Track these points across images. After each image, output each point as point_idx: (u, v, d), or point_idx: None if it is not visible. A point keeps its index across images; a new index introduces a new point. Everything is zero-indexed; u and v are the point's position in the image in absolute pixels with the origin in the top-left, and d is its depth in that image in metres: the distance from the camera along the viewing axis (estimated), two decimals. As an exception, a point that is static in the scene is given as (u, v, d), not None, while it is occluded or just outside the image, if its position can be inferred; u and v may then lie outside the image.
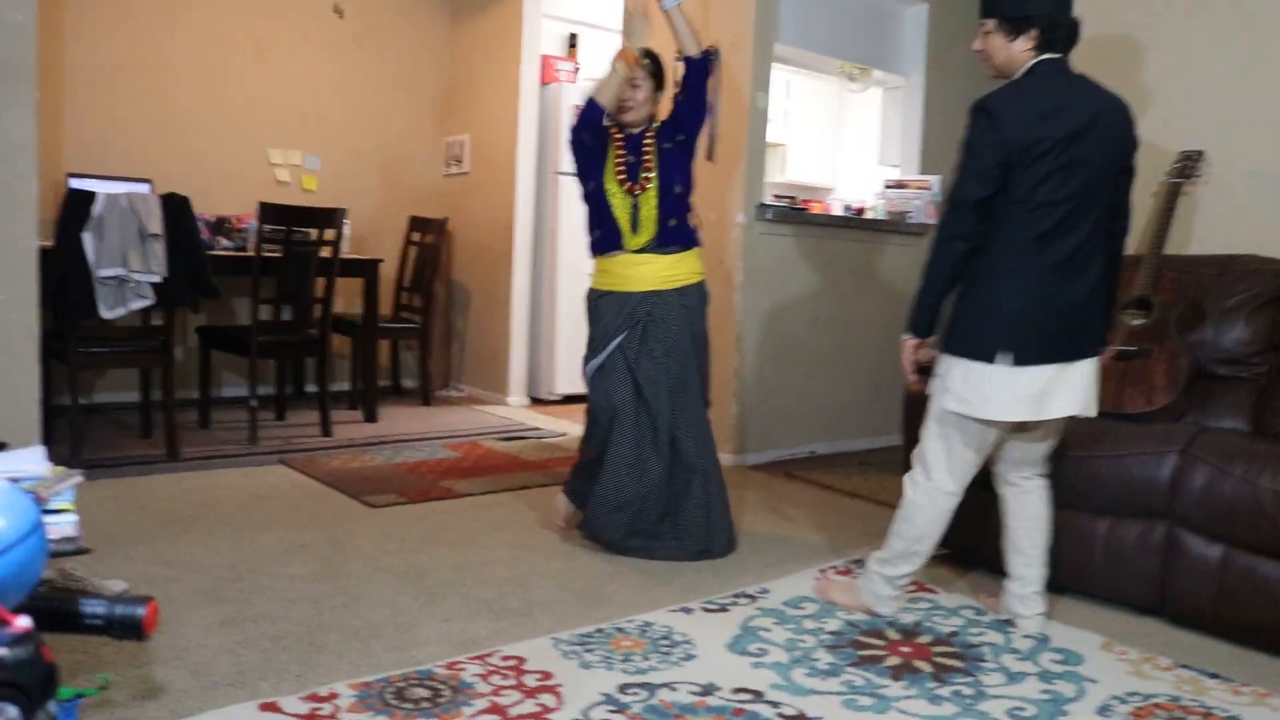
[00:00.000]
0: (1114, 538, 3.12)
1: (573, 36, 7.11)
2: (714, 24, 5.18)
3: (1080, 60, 4.39)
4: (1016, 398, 2.69)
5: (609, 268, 3.61)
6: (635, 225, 3.54)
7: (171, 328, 4.66)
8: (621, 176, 3.57)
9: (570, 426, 5.91)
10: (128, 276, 4.34)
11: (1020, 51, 2.72)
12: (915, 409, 3.56)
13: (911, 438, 3.58)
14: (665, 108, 3.71)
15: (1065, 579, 3.24)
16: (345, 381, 6.51)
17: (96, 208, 4.27)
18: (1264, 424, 3.34)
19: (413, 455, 4.96)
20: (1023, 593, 2.97)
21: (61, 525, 3.11)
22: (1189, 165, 3.90)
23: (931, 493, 2.89)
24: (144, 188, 5.37)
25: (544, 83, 6.65)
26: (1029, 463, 2.96)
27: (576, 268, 6.60)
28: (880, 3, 5.89)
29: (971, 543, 3.45)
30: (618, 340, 3.54)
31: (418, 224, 6.67)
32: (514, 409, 6.51)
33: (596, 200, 3.61)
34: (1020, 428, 2.85)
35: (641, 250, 3.54)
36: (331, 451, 4.96)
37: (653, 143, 3.60)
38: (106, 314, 4.33)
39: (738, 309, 5.07)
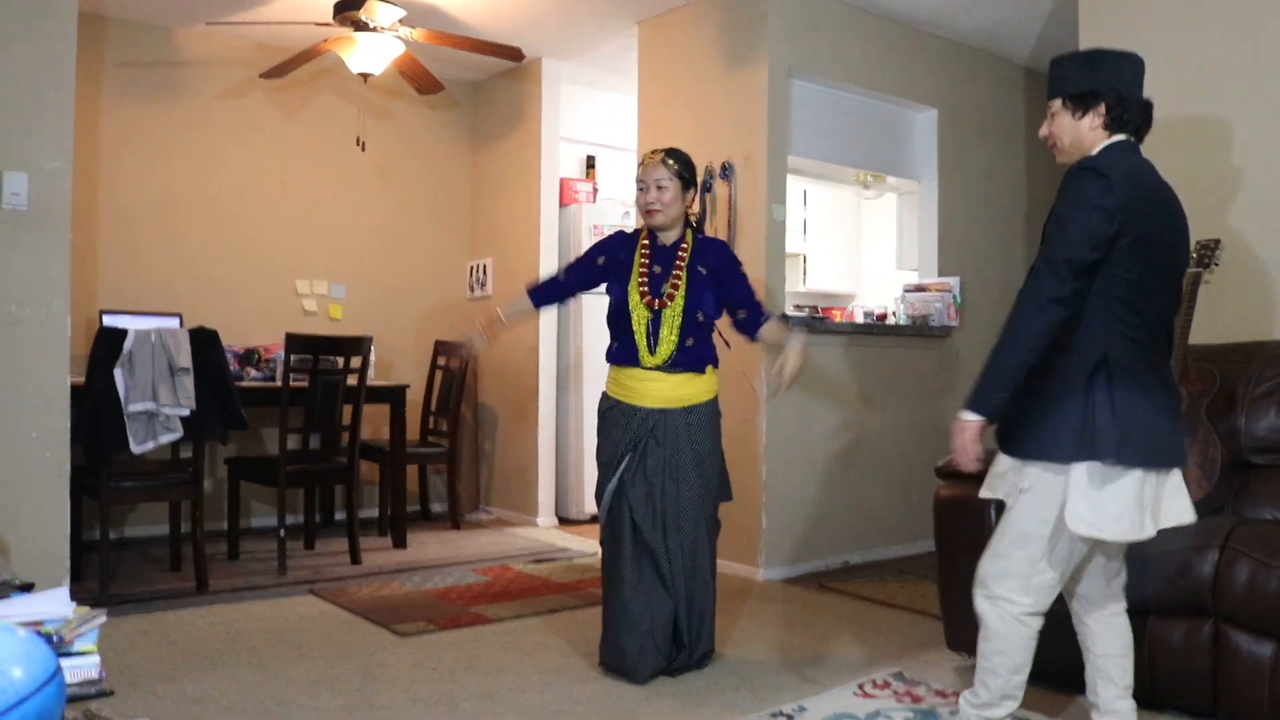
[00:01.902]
0: (1159, 638, 3.02)
1: (590, 158, 7.26)
2: (727, 139, 5.28)
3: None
4: (1143, 510, 2.43)
5: (620, 378, 3.59)
6: (654, 343, 3.50)
7: (201, 460, 4.69)
8: (644, 290, 3.52)
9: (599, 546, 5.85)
10: (157, 411, 4.39)
11: (1088, 130, 2.58)
12: (948, 513, 3.52)
13: (945, 543, 3.54)
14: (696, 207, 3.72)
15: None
16: (374, 508, 6.50)
17: (127, 344, 4.35)
18: (1306, 514, 3.26)
19: (442, 581, 4.92)
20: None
21: (84, 667, 3.08)
22: (1207, 254, 3.90)
23: (1021, 616, 2.56)
24: (173, 322, 5.47)
25: (563, 204, 6.78)
26: (1113, 577, 2.71)
27: (601, 386, 6.62)
28: (891, 110, 5.99)
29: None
30: (621, 467, 3.52)
31: (443, 348, 6.73)
32: (543, 530, 6.46)
33: (619, 309, 3.58)
34: (1103, 543, 2.56)
35: (656, 368, 3.50)
36: (361, 580, 4.92)
37: (685, 261, 3.54)
38: (137, 449, 4.36)
39: (763, 420, 5.05)
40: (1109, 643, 2.70)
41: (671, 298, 3.49)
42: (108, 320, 5.28)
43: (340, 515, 6.36)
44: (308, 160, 6.57)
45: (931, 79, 5.96)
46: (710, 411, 3.58)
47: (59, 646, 3.00)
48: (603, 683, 3.41)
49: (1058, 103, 2.63)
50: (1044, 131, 2.69)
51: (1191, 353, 3.62)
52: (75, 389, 4.45)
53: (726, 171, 5.26)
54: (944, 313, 5.73)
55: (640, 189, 3.58)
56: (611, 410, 3.60)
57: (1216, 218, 4.00)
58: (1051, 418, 2.47)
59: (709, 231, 5.30)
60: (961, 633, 3.54)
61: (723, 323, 3.67)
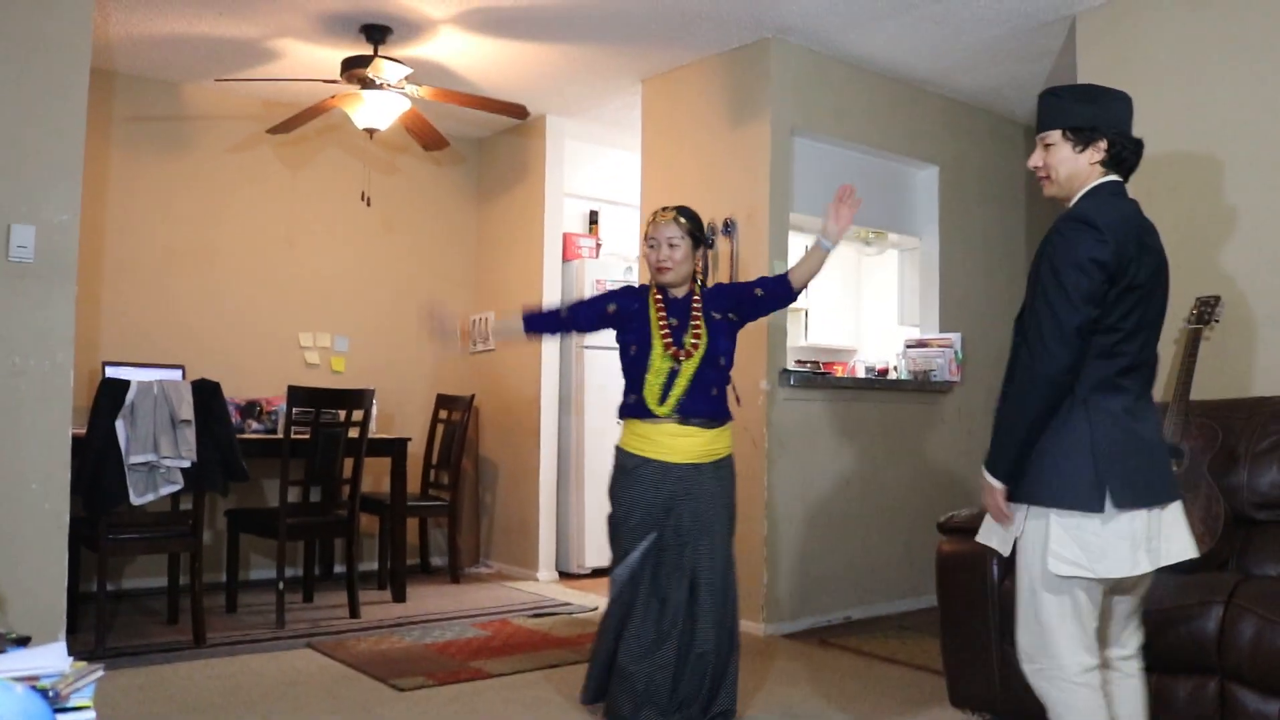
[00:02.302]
0: (1164, 696, 2.99)
1: (593, 214, 7.32)
2: (730, 195, 5.33)
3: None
4: (1135, 546, 2.41)
5: (645, 433, 3.49)
6: (666, 391, 3.46)
7: (201, 511, 4.67)
8: (667, 341, 3.50)
9: (600, 600, 5.81)
10: (158, 462, 4.39)
11: (1087, 165, 2.55)
12: (950, 568, 3.51)
13: (948, 598, 3.52)
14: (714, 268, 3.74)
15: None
16: (374, 561, 6.47)
17: (130, 395, 4.36)
18: (1310, 571, 3.25)
19: (442, 635, 4.88)
20: None
21: None
22: (1206, 310, 3.92)
23: (1075, 678, 2.44)
24: (176, 374, 5.49)
25: (566, 259, 6.82)
26: (1129, 635, 2.65)
27: (602, 440, 6.62)
28: (891, 167, 6.05)
29: (1018, 707, 3.33)
30: (652, 535, 3.45)
31: (445, 401, 6.73)
32: (543, 584, 6.43)
33: (639, 363, 3.51)
34: (1118, 586, 2.52)
35: (669, 418, 3.46)
36: (360, 633, 4.89)
37: (700, 309, 3.57)
38: (137, 500, 4.36)
39: (765, 475, 5.04)
40: (1129, 704, 2.61)
41: (696, 348, 3.49)
42: (110, 372, 5.30)
43: (340, 568, 6.32)
44: (313, 214, 6.63)
45: (933, 137, 6.02)
46: (732, 465, 3.60)
47: (55, 702, 2.98)
48: (602, 739, 3.37)
49: (1057, 134, 2.59)
50: (1035, 162, 2.65)
51: (1193, 409, 3.62)
52: (76, 440, 4.46)
53: (729, 228, 5.30)
54: (945, 368, 5.74)
55: (651, 246, 3.59)
56: (640, 468, 3.48)
57: (1217, 273, 4.03)
58: (1040, 462, 2.46)
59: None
60: (964, 689, 3.52)
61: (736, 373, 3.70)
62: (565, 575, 6.65)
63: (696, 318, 3.55)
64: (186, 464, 4.44)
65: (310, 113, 5.47)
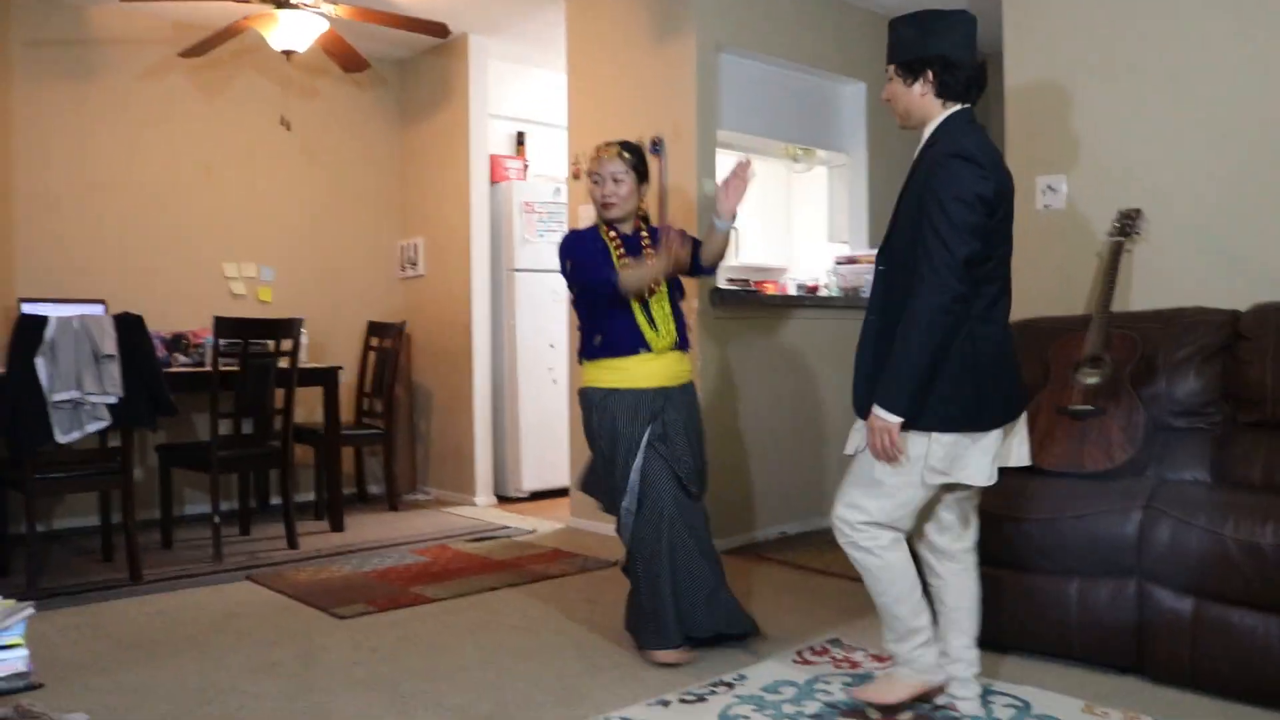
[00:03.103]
0: (1086, 598, 3.11)
1: (520, 135, 7.21)
2: (657, 114, 5.28)
3: (1015, 118, 4.51)
4: (992, 458, 2.65)
5: (619, 366, 3.46)
6: (654, 326, 3.49)
7: (130, 448, 4.60)
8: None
9: (539, 523, 5.86)
10: (83, 399, 4.30)
11: (919, 97, 2.68)
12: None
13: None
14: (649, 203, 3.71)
15: (1042, 643, 3.23)
16: (310, 492, 6.43)
17: (49, 332, 4.25)
18: (1223, 473, 3.37)
19: (381, 563, 4.89)
20: (965, 675, 2.84)
21: (11, 661, 3.03)
22: (1129, 223, 3.99)
23: (889, 546, 2.72)
24: (98, 309, 5.35)
25: (494, 181, 6.73)
26: (967, 527, 2.87)
27: (536, 363, 6.62)
28: (819, 84, 6.03)
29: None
30: (645, 436, 3.43)
31: (376, 329, 6.67)
32: (482, 509, 6.45)
33: (613, 301, 3.46)
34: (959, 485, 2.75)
35: (665, 350, 3.51)
36: (299, 564, 4.88)
37: (650, 244, 3.57)
38: (62, 439, 4.28)
39: (701, 393, 5.07)
40: (960, 595, 2.86)
41: (658, 283, 3.51)
42: (27, 309, 5.15)
43: (276, 500, 6.29)
44: (232, 141, 6.45)
45: (860, 52, 6.00)
46: (694, 389, 3.66)
47: (-14, 642, 2.95)
48: (544, 658, 3.42)
49: (891, 69, 2.71)
50: (884, 95, 2.78)
51: (1114, 320, 3.71)
52: (-4, 379, 4.36)
53: (656, 146, 5.25)
54: (875, 284, 5.79)
55: (595, 182, 3.56)
56: (608, 398, 3.47)
57: (1138, 186, 4.09)
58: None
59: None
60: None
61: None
62: (503, 499, 6.68)
63: (649, 252, 3.55)
64: (112, 400, 4.35)
65: (223, 34, 5.29)
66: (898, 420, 2.58)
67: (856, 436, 2.81)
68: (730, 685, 3.11)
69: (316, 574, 4.66)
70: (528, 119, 7.23)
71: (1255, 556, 2.77)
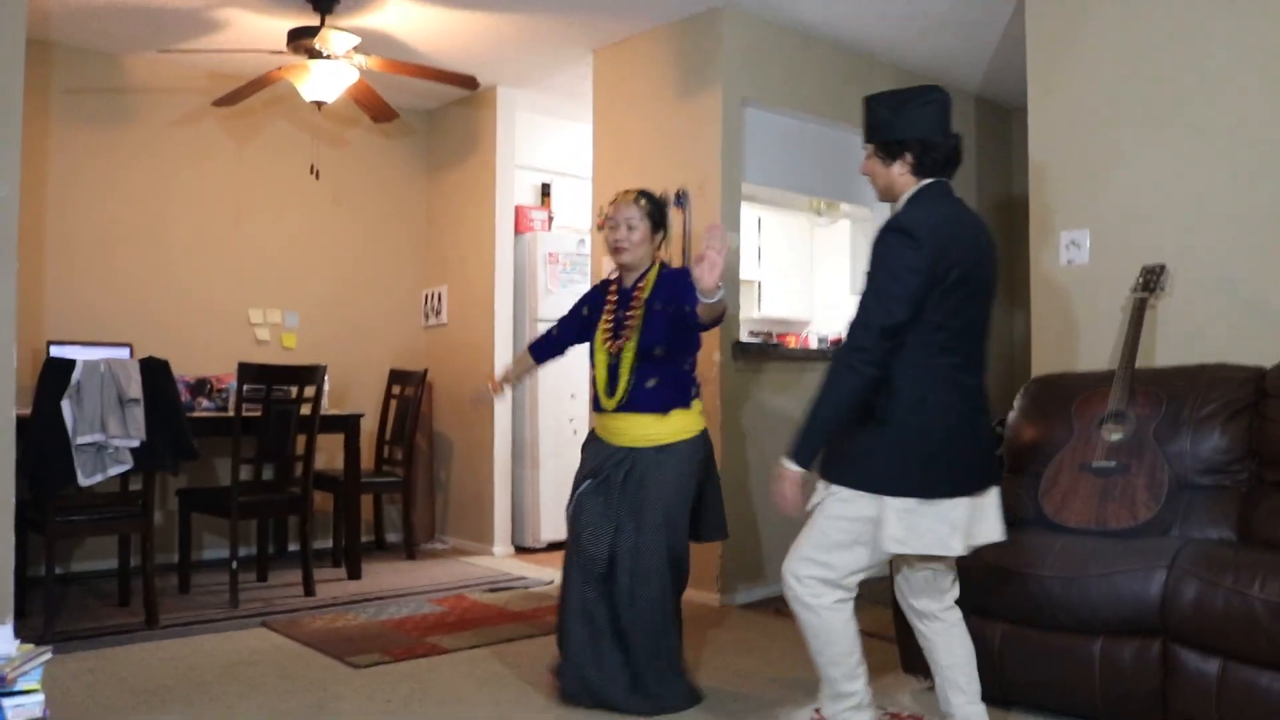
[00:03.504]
0: (1110, 657, 3.06)
1: (545, 186, 7.27)
2: (681, 166, 5.32)
3: (1038, 173, 4.51)
4: (952, 529, 2.65)
5: (597, 421, 3.62)
6: (611, 385, 3.49)
7: (151, 492, 4.62)
8: (607, 334, 3.55)
9: (556, 574, 5.80)
10: (106, 443, 4.32)
11: (898, 176, 2.76)
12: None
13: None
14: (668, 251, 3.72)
15: (1065, 702, 3.18)
16: (328, 539, 6.42)
17: (75, 374, 4.28)
18: (1249, 532, 3.31)
19: (398, 612, 4.87)
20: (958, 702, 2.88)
21: (29, 706, 3.02)
22: (1152, 279, 3.97)
23: (833, 606, 2.75)
24: (123, 352, 5.40)
25: (518, 232, 6.78)
26: (944, 590, 2.90)
27: (557, 414, 6.62)
28: (842, 138, 6.05)
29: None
30: (582, 487, 3.52)
31: (397, 376, 6.69)
32: (499, 559, 6.43)
33: (590, 357, 3.63)
34: (933, 555, 2.76)
35: (618, 410, 3.48)
36: (315, 611, 4.87)
37: (640, 299, 3.53)
38: (85, 481, 4.29)
39: (720, 446, 5.06)
40: (951, 652, 2.88)
41: (628, 338, 3.48)
42: (55, 351, 5.21)
43: (294, 546, 6.28)
44: (261, 188, 6.53)
45: (882, 107, 6.02)
46: (691, 447, 3.49)
47: (1, 685, 2.94)
48: (559, 712, 3.38)
49: (870, 148, 2.80)
50: (862, 170, 2.86)
51: (1138, 377, 3.68)
52: (20, 421, 4.38)
53: (681, 199, 5.29)
54: (897, 338, 5.78)
55: (610, 227, 3.59)
56: (589, 444, 3.64)
57: (1163, 243, 4.08)
58: (875, 451, 2.67)
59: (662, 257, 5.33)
60: (917, 655, 3.56)
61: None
62: (521, 550, 6.65)
63: (635, 307, 3.52)
64: (135, 443, 4.38)
65: (256, 85, 5.38)
66: (797, 470, 2.67)
67: (815, 494, 2.84)
68: (747, 742, 3.07)
69: (332, 622, 4.64)
70: (553, 170, 7.30)
71: (1283, 618, 2.72)
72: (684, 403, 3.51)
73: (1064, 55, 4.44)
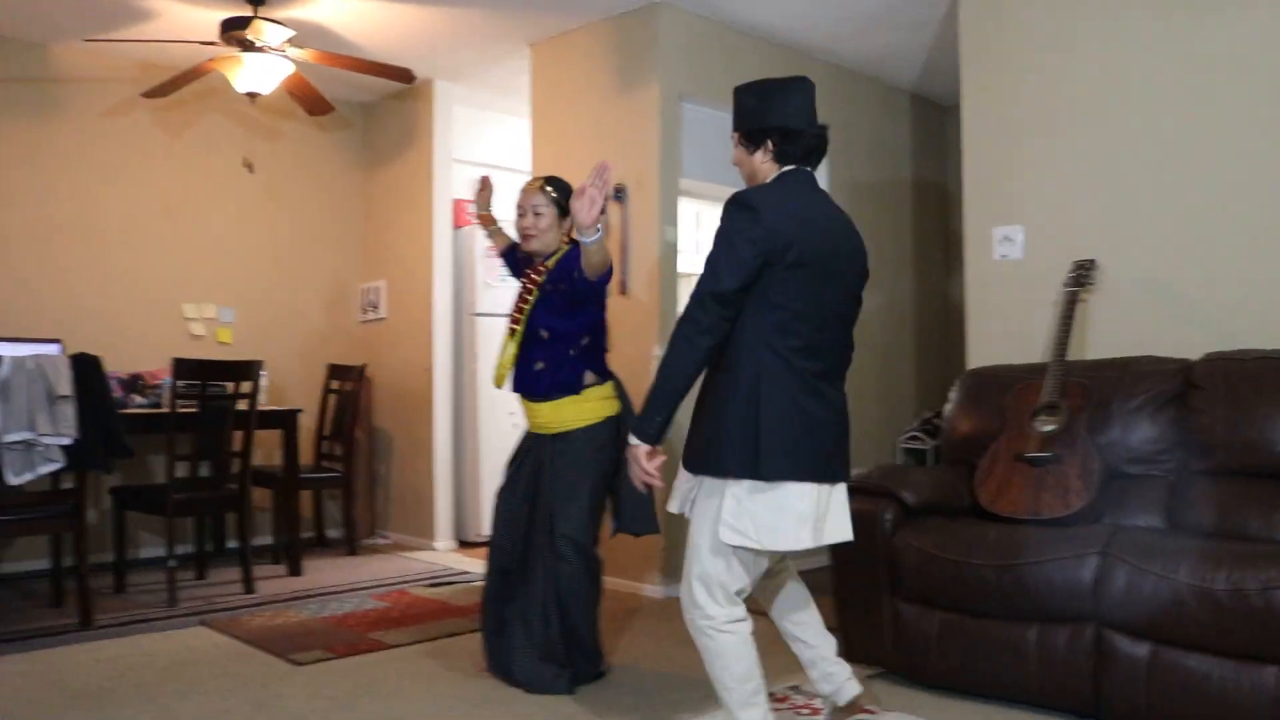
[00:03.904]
0: (1044, 644, 3.13)
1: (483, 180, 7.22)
2: (621, 163, 5.33)
3: (972, 169, 4.59)
4: (800, 521, 2.59)
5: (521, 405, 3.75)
6: (504, 365, 3.64)
7: (83, 490, 4.53)
8: (513, 314, 3.65)
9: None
10: (36, 440, 4.23)
11: (761, 163, 2.78)
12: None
13: (841, 557, 3.61)
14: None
15: (999, 688, 3.25)
16: (268, 535, 6.36)
17: (3, 371, 4.19)
18: (1177, 519, 3.42)
19: (340, 608, 4.84)
20: (826, 665, 3.04)
21: (-37, 707, 2.95)
22: (1084, 273, 4.07)
23: (723, 627, 2.67)
24: (53, 348, 5.28)
25: (457, 226, 6.75)
26: (793, 588, 3.06)
27: (498, 408, 6.60)
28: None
29: (908, 661, 3.45)
30: (504, 477, 3.76)
31: (336, 371, 6.63)
32: (442, 553, 6.40)
33: None
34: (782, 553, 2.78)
35: (516, 393, 3.65)
36: (255, 609, 4.82)
37: (538, 282, 3.59)
38: (14, 480, 4.20)
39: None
40: (792, 603, 3.06)
41: (518, 321, 3.58)
42: (-18, 347, 5.09)
43: (233, 544, 6.20)
44: (194, 182, 6.43)
45: (821, 104, 6.04)
46: (584, 437, 3.56)
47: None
48: (502, 706, 3.39)
49: (736, 136, 2.84)
50: (733, 160, 2.88)
51: (1070, 369, 3.77)
52: (-52, 419, 4.28)
53: (619, 194, 5.30)
54: (835, 331, 5.84)
55: (519, 214, 3.68)
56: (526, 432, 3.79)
57: (1093, 238, 4.18)
58: (713, 435, 2.64)
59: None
60: (857, 644, 3.62)
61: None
62: (464, 544, 6.63)
63: (529, 290, 3.61)
64: (66, 441, 4.29)
65: (188, 76, 5.29)
66: (642, 445, 2.65)
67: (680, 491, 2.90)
68: (691, 732, 3.09)
69: (273, 619, 4.60)
70: (492, 164, 7.24)
71: (1209, 601, 2.81)
72: (573, 388, 3.55)
73: (997, 56, 4.53)
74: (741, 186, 2.80)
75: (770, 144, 2.75)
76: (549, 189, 3.66)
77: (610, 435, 3.58)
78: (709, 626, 2.67)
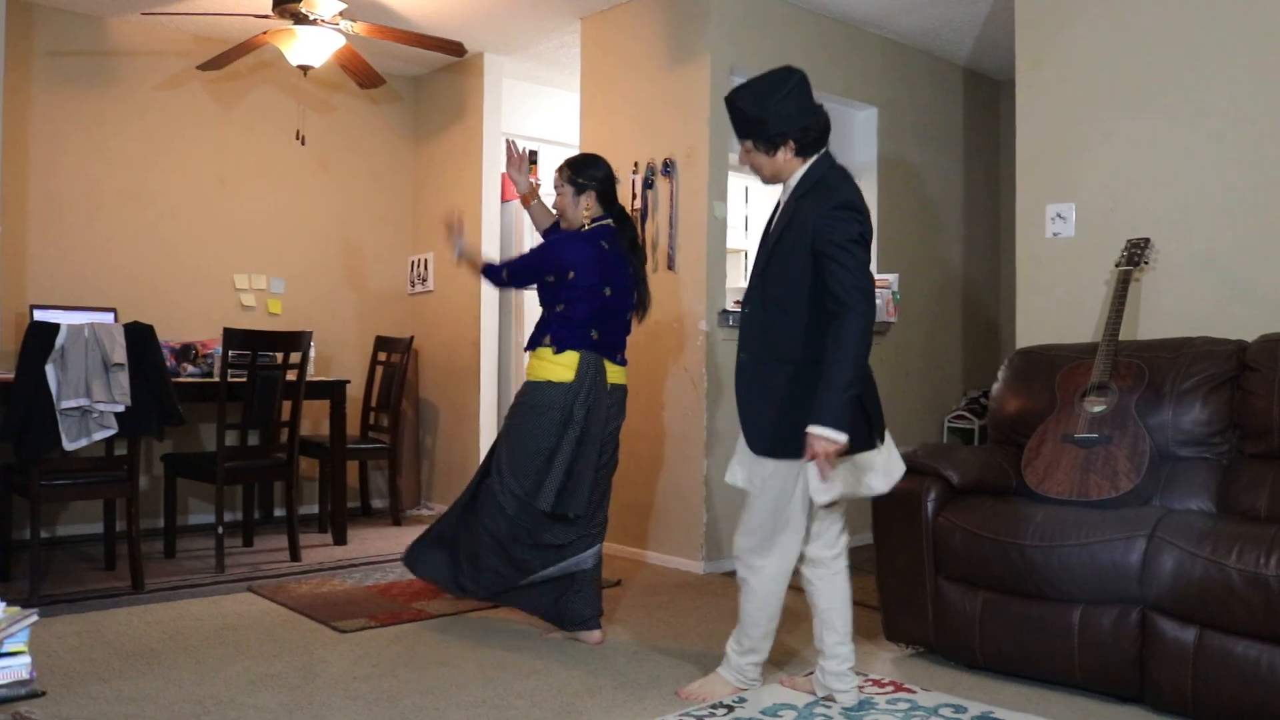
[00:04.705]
0: (1089, 626, 3.10)
1: (532, 154, 7.24)
2: (669, 136, 5.31)
3: (1025, 147, 4.51)
4: (858, 475, 2.98)
5: None
6: None
7: (136, 457, 4.61)
8: None
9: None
10: (91, 407, 4.31)
11: (784, 162, 2.98)
12: (885, 507, 3.58)
13: (883, 536, 3.60)
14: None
15: (1043, 670, 3.22)
16: (314, 504, 6.44)
17: (59, 339, 4.27)
18: (1228, 503, 3.36)
19: (383, 577, 4.89)
20: (840, 670, 3.10)
21: (15, 668, 3.03)
22: (1137, 253, 3.99)
23: (776, 577, 3.06)
24: (108, 317, 5.38)
25: (505, 200, 6.76)
26: (834, 540, 3.13)
27: (544, 380, 6.61)
28: (831, 108, 5.96)
29: (949, 641, 3.43)
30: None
31: (384, 343, 6.68)
32: (486, 525, 6.44)
33: None
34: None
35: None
36: (300, 577, 4.89)
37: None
38: (70, 445, 4.29)
39: (704, 415, 5.08)
40: (831, 597, 3.12)
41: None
42: (39, 315, 5.19)
43: (280, 512, 6.30)
44: (246, 153, 6.49)
45: (872, 78, 6.02)
46: (527, 390, 3.82)
47: (-11, 647, 2.95)
48: (544, 677, 3.41)
49: (750, 143, 2.99)
50: (741, 160, 3.07)
51: (1121, 349, 3.71)
52: (4, 385, 4.37)
53: (669, 168, 5.28)
54: (883, 309, 5.80)
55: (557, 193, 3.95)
56: None
57: (1147, 216, 4.10)
58: (792, 421, 2.85)
59: (649, 229, 5.34)
60: (898, 623, 3.61)
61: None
62: (507, 516, 6.66)
63: None
64: (120, 408, 4.37)
65: (242, 49, 5.33)
66: (844, 436, 2.74)
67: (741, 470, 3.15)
68: (730, 708, 3.10)
69: (318, 586, 4.66)
70: (541, 138, 7.26)
71: (1259, 587, 2.76)
72: (535, 344, 3.83)
73: (1053, 30, 4.44)
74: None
75: (792, 143, 2.95)
76: (565, 170, 3.86)
77: (549, 400, 3.73)
78: (767, 575, 3.08)
